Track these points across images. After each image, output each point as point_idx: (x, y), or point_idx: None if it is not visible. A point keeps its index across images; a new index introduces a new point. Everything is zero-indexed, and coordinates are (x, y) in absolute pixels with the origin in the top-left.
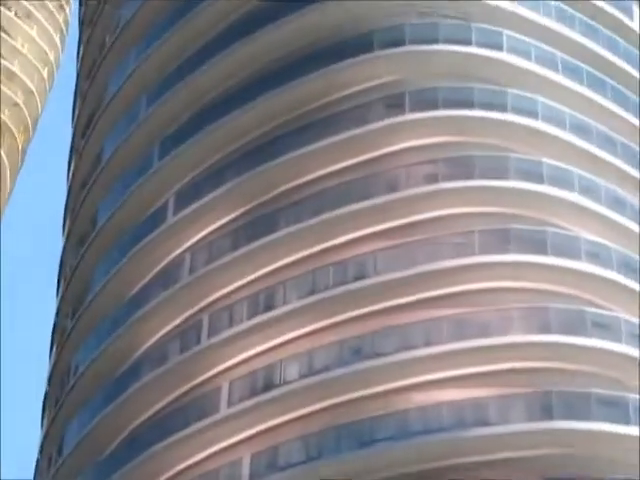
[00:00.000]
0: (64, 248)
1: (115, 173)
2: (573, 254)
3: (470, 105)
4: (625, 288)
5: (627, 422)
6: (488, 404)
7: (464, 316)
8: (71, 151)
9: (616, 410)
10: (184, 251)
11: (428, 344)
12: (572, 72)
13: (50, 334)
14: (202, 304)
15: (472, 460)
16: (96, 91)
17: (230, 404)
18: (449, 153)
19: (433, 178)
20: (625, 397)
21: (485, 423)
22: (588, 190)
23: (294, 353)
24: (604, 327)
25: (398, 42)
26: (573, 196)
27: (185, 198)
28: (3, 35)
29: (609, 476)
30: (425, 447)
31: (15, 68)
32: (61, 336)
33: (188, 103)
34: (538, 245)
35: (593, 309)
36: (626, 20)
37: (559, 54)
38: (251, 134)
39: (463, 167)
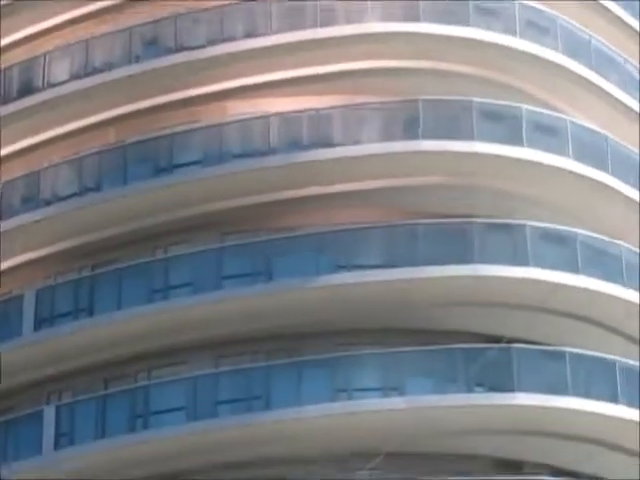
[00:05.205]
0: None
1: None
2: None
3: None
4: None
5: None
6: (332, 117)
7: None
8: None
9: (503, 126)
10: None
11: (250, 34)
12: None
13: None
14: None
15: (322, 192)
16: None
17: None
18: None
19: None
20: (518, 110)
21: (327, 143)
22: None
23: (64, 43)
24: (491, 13)
25: None
26: None
27: None
28: None
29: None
30: (244, 175)
31: None
32: None
33: None
34: None
35: None
36: None
37: None
38: None
39: None
